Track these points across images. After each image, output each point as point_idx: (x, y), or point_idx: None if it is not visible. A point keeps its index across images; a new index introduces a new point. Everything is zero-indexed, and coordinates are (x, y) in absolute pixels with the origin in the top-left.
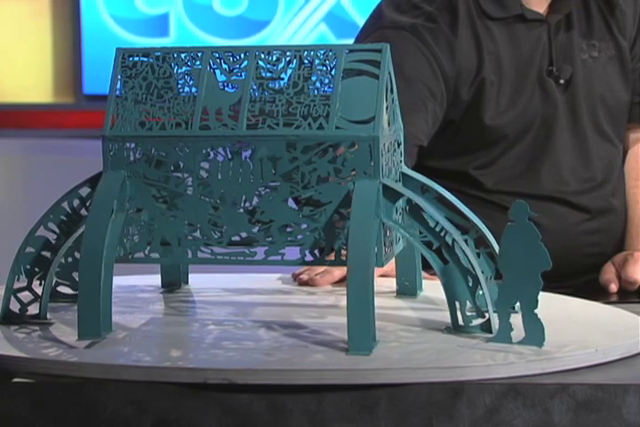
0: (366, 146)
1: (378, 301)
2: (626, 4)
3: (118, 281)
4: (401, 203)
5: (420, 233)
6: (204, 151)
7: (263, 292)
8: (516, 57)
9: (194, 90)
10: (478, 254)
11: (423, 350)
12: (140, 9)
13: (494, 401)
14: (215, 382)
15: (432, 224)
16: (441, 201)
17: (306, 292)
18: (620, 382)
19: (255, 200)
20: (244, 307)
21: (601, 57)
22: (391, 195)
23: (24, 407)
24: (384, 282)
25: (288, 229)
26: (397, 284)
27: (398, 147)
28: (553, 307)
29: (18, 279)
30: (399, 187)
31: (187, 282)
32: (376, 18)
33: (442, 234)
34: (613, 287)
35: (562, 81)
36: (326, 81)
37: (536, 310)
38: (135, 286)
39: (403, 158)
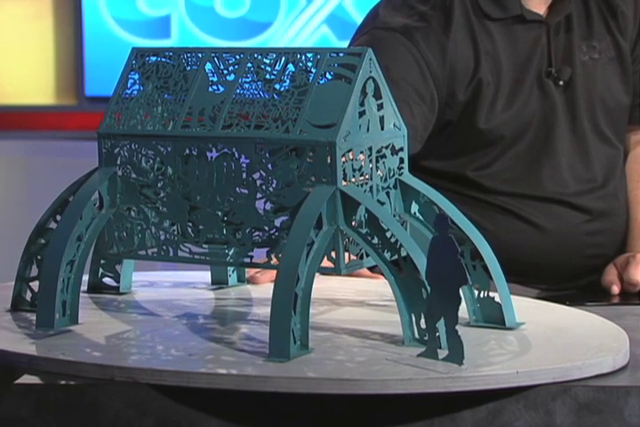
0: (324, 151)
1: (369, 312)
2: (626, 5)
3: (174, 278)
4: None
5: (379, 243)
6: (182, 151)
7: None
8: (515, 58)
9: (187, 90)
10: (474, 267)
11: (344, 362)
12: (141, 10)
13: (496, 403)
14: (121, 379)
15: (388, 235)
16: (440, 210)
17: (329, 300)
18: (622, 384)
19: (228, 202)
20: (240, 311)
21: (601, 58)
22: (350, 202)
23: (26, 410)
24: None
25: (256, 232)
26: None
27: (394, 153)
28: (538, 317)
29: (30, 269)
30: (358, 194)
31: (243, 280)
32: (370, 18)
33: (397, 246)
34: (615, 289)
35: (561, 82)
36: (303, 84)
37: (457, 327)
38: (191, 282)
39: (404, 166)
